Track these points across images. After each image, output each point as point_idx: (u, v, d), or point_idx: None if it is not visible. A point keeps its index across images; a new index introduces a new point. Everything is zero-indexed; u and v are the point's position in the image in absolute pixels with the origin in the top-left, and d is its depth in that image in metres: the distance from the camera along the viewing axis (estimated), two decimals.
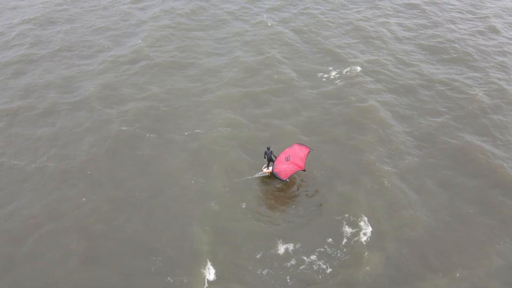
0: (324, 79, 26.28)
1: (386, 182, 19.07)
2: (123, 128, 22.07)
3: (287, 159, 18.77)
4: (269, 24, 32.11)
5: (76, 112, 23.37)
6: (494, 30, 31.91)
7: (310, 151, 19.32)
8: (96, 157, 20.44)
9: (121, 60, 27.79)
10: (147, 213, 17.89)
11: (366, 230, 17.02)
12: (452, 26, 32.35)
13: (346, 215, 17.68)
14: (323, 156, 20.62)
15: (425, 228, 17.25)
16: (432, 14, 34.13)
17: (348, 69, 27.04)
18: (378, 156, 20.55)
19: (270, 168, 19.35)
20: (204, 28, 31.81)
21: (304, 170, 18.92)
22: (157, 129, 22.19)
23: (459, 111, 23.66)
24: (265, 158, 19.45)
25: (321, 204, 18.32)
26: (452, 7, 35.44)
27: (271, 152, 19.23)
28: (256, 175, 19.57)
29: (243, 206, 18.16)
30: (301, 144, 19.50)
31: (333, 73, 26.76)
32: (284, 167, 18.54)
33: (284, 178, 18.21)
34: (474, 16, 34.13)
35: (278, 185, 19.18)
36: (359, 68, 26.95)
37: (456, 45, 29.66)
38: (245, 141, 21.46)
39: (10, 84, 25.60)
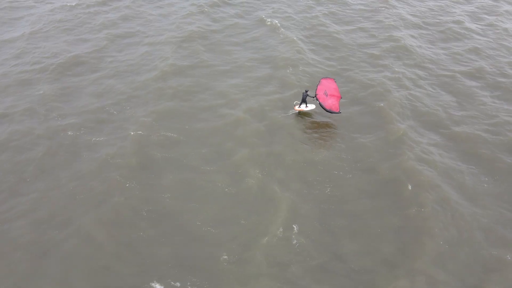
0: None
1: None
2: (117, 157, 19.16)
3: (326, 94, 20.20)
4: (281, 30, 30.09)
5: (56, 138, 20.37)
6: None
7: (334, 80, 21.24)
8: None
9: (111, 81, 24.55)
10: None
11: None
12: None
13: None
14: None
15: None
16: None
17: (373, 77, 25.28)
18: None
19: (302, 106, 21.16)
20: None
21: (341, 97, 20.89)
22: (163, 157, 19.28)
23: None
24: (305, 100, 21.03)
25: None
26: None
27: (308, 95, 20.79)
28: (289, 113, 21.09)
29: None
30: (325, 78, 21.33)
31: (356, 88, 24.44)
32: (330, 102, 20.10)
33: (337, 111, 20.08)
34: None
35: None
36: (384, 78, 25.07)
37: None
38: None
39: None
